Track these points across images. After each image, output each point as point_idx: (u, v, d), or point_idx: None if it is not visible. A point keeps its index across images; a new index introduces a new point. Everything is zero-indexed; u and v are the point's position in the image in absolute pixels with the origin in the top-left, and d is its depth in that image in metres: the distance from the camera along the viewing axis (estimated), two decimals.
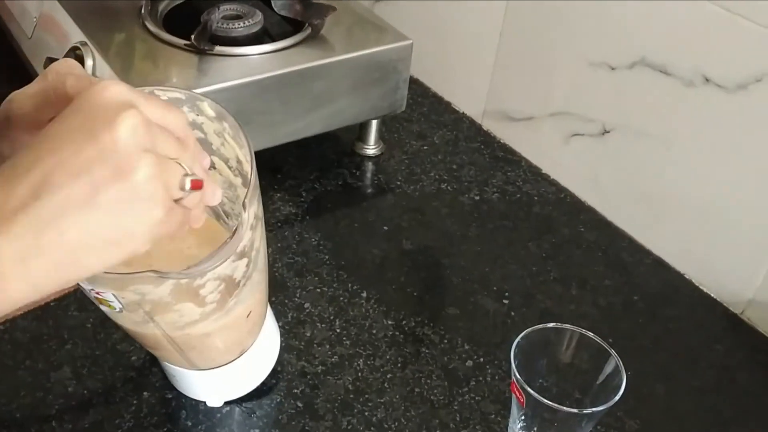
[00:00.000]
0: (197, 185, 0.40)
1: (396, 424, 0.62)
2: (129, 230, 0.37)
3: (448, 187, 0.87)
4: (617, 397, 0.50)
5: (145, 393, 0.63)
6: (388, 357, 0.68)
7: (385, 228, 0.81)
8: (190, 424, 0.61)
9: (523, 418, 0.52)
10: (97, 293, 0.46)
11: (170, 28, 0.81)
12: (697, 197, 0.75)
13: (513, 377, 0.50)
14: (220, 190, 0.42)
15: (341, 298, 0.73)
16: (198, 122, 0.52)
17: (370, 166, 0.90)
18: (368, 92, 0.84)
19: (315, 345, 0.68)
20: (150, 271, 0.44)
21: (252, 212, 0.47)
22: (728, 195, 0.72)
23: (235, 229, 0.45)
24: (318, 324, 0.70)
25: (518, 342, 0.52)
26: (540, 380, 0.53)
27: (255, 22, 0.82)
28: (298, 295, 0.72)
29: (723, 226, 0.74)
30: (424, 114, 0.99)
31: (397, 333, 0.70)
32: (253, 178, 0.47)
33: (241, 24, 0.81)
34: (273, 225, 0.80)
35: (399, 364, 0.67)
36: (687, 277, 0.78)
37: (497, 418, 0.63)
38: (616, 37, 0.76)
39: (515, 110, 0.92)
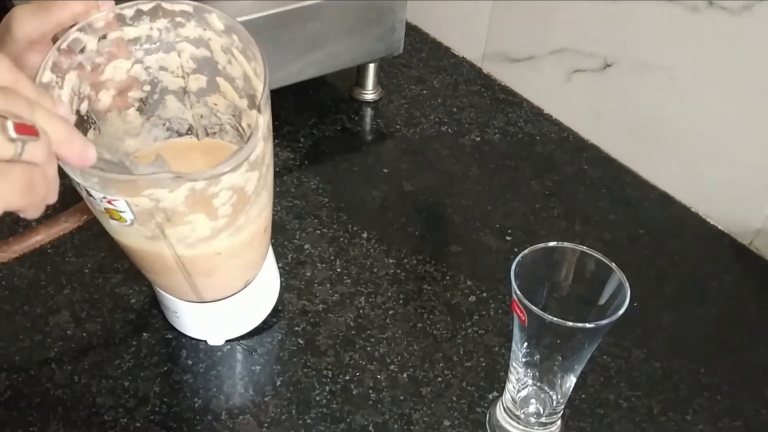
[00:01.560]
0: (26, 130, 0.35)
1: (399, 358, 0.62)
2: None
3: (449, 130, 0.86)
4: (621, 311, 0.49)
5: (144, 334, 0.62)
6: (389, 294, 0.67)
7: (385, 170, 0.80)
8: (190, 362, 0.61)
9: (525, 339, 0.51)
10: (109, 201, 0.45)
11: None
12: (702, 129, 0.73)
13: (514, 294, 0.49)
14: (92, 147, 0.39)
15: (341, 239, 0.72)
16: (205, 38, 0.51)
17: (368, 111, 0.89)
18: (364, 34, 0.82)
19: (315, 284, 0.67)
20: (168, 172, 0.44)
21: (267, 118, 0.46)
22: (733, 125, 0.71)
23: (250, 135, 0.45)
24: (318, 264, 0.69)
25: (518, 261, 0.50)
26: (543, 301, 0.52)
27: None
28: (297, 236, 0.72)
29: (729, 157, 0.72)
30: (423, 59, 0.97)
31: (399, 271, 0.69)
32: (266, 89, 0.46)
33: None
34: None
35: (401, 301, 0.66)
36: (693, 210, 0.77)
37: (501, 350, 0.62)
38: None
39: (515, 51, 0.90)
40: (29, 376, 0.58)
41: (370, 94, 0.89)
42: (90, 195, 0.46)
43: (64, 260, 0.68)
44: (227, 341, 0.62)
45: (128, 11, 0.50)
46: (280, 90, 0.79)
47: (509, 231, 0.74)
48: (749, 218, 0.72)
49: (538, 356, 0.52)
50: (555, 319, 0.47)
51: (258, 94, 0.47)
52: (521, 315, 0.49)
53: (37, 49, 0.46)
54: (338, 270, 0.69)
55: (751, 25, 0.66)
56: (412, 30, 1.00)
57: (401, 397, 0.59)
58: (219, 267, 0.55)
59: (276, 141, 0.82)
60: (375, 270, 0.69)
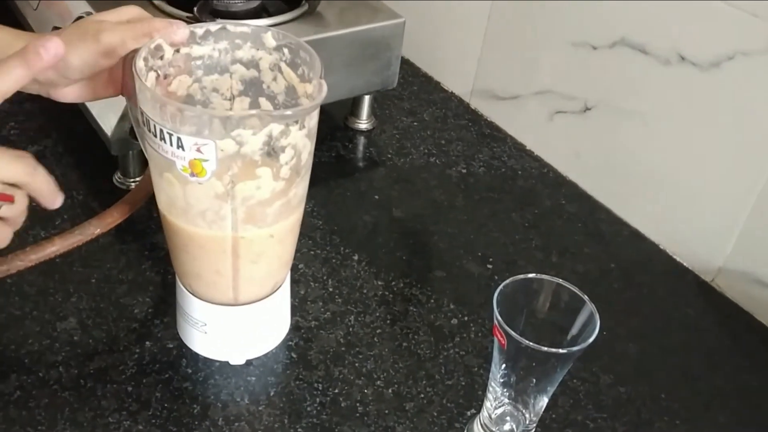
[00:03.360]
0: (4, 198, 0.45)
1: (385, 374, 0.66)
2: None
3: (437, 161, 0.91)
4: (591, 339, 0.54)
5: (147, 342, 0.66)
6: (378, 314, 0.71)
7: (376, 197, 0.85)
8: (190, 371, 0.65)
9: (503, 361, 0.56)
10: (198, 149, 0.51)
11: (173, 1, 0.84)
12: (672, 172, 0.79)
13: (495, 320, 0.54)
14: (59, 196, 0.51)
15: (333, 260, 0.76)
16: (256, 58, 0.58)
17: (362, 139, 0.94)
18: (362, 68, 0.87)
19: (308, 302, 0.72)
20: (255, 111, 0.53)
21: (325, 90, 0.53)
22: (700, 169, 0.77)
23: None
24: (311, 283, 0.73)
25: (500, 289, 0.55)
26: (521, 327, 0.57)
27: None
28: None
29: (695, 199, 0.78)
30: (415, 92, 1.02)
31: (387, 293, 0.74)
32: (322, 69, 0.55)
33: (241, 0, 0.84)
34: None
35: (388, 321, 0.71)
36: (661, 247, 0.83)
37: (479, 371, 0.67)
38: (597, 18, 0.81)
39: (501, 89, 0.95)
40: (38, 378, 0.62)
41: (364, 123, 0.95)
42: (179, 147, 0.51)
43: (71, 270, 0.72)
44: None
45: (199, 30, 0.57)
46: None
47: (490, 259, 0.79)
48: (712, 257, 0.78)
49: (514, 377, 0.57)
50: (531, 344, 0.52)
51: (304, 93, 0.57)
52: (501, 339, 0.54)
53: (110, 56, 0.54)
54: (330, 289, 0.73)
55: (718, 81, 0.72)
56: (405, 64, 1.05)
57: (386, 411, 0.63)
58: (266, 253, 0.60)
59: None
60: (365, 291, 0.73)
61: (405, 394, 0.65)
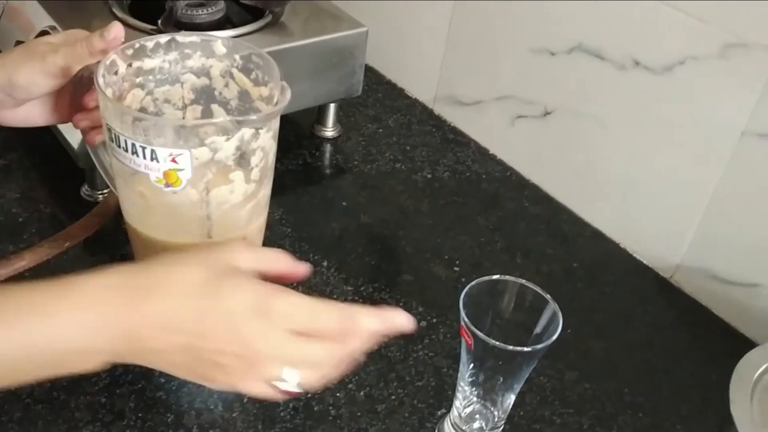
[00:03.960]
0: (289, 394, 0.46)
1: (356, 377, 0.67)
2: None
3: (403, 167, 0.93)
4: (555, 336, 0.55)
5: None
6: None
7: (344, 204, 0.86)
8: (162, 380, 0.65)
9: (471, 361, 0.57)
10: (173, 159, 0.52)
11: (137, 14, 0.84)
12: (630, 173, 0.82)
13: (462, 321, 0.55)
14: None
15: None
16: (207, 66, 0.60)
17: (328, 147, 0.95)
18: (326, 76, 0.88)
19: None
20: (229, 117, 0.55)
21: (289, 93, 0.55)
22: (656, 170, 0.79)
23: (277, 101, 0.55)
24: None
25: (466, 291, 0.57)
26: (487, 327, 0.59)
27: (217, 9, 0.86)
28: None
29: (653, 199, 0.81)
30: (379, 99, 1.04)
31: (356, 298, 0.75)
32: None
33: (205, 11, 0.85)
34: None
35: None
36: (622, 246, 0.85)
37: (449, 371, 0.69)
38: (555, 25, 0.83)
39: (464, 95, 0.97)
40: (10, 392, 0.62)
41: (330, 131, 0.96)
42: (153, 159, 0.52)
43: None
44: None
45: (149, 43, 0.57)
46: None
47: (457, 262, 0.80)
48: (670, 255, 0.81)
49: (482, 376, 0.58)
50: (497, 343, 0.53)
51: (260, 97, 0.59)
52: (468, 339, 0.55)
53: (56, 77, 0.56)
54: None
55: (670, 85, 0.74)
56: (369, 71, 1.07)
57: (358, 414, 0.64)
58: None
59: None
60: (334, 296, 0.75)
61: (376, 396, 0.66)
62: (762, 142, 0.69)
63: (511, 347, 0.53)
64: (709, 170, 0.74)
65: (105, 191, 0.81)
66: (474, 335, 0.54)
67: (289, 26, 0.87)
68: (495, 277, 0.59)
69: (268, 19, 0.86)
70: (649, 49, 0.75)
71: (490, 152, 0.96)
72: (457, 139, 0.98)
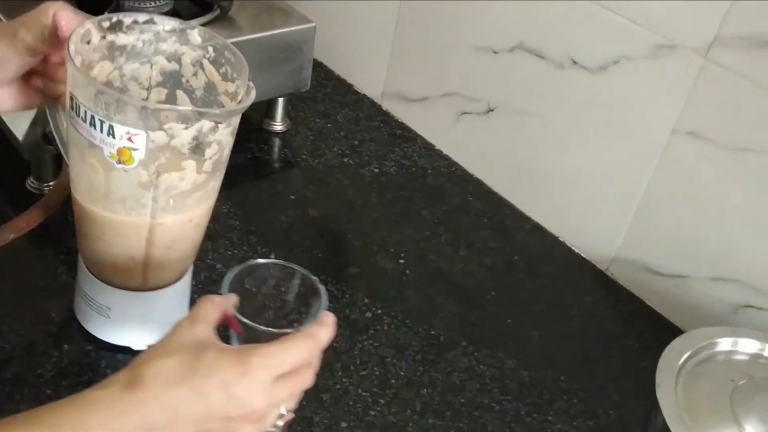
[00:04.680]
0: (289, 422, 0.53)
1: None
2: None
3: (350, 161, 0.94)
4: (319, 314, 0.55)
5: (65, 346, 0.67)
6: None
7: (292, 197, 0.88)
8: (109, 372, 0.65)
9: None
10: (129, 138, 0.53)
11: (83, 6, 0.84)
12: (568, 169, 0.85)
13: (229, 312, 0.54)
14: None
15: (250, 260, 0.78)
16: (179, 53, 0.60)
17: (277, 141, 0.96)
18: (274, 71, 0.89)
19: None
20: (192, 108, 0.56)
21: (254, 93, 0.56)
22: (593, 166, 0.82)
23: (241, 99, 0.56)
24: None
25: (230, 280, 0.56)
26: (257, 314, 0.58)
27: (165, 2, 0.86)
28: (210, 257, 0.78)
29: (589, 194, 0.84)
30: (328, 95, 1.05)
31: (303, 289, 0.76)
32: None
33: (152, 3, 0.85)
34: None
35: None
36: (561, 240, 0.88)
37: (393, 360, 0.71)
38: (498, 24, 0.85)
39: (411, 91, 0.99)
40: None
41: (278, 125, 0.97)
42: (110, 134, 0.53)
43: None
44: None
45: (127, 19, 0.58)
46: None
47: (402, 255, 0.82)
48: (606, 248, 0.84)
49: None
50: (264, 328, 0.53)
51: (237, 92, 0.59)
52: (237, 328, 0.55)
53: (28, 54, 0.57)
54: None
55: (606, 83, 0.78)
56: (318, 67, 1.08)
57: (303, 402, 0.65)
58: (181, 239, 0.62)
59: None
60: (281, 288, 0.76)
61: (321, 385, 0.68)
62: (690, 140, 0.73)
63: (276, 330, 0.54)
64: (642, 167, 0.78)
65: (51, 183, 0.80)
66: (241, 323, 0.54)
67: (237, 20, 0.87)
68: (259, 260, 0.59)
69: (216, 12, 0.87)
70: (586, 49, 0.78)
71: (436, 148, 0.98)
72: (404, 135, 1.00)
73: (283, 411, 0.52)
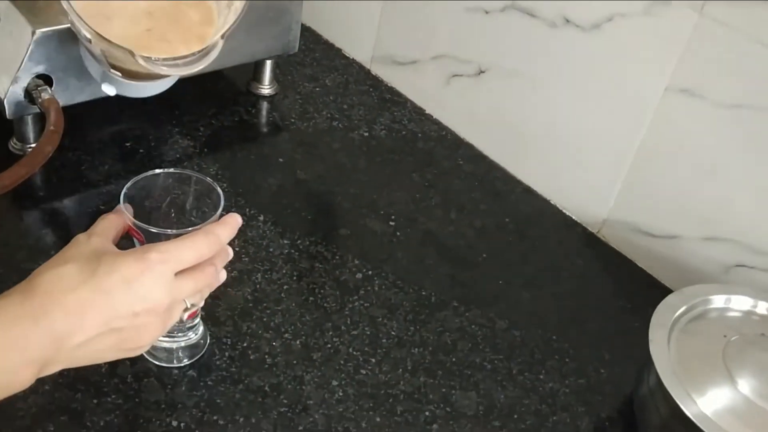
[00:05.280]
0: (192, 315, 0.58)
1: (292, 327, 0.68)
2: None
3: (339, 125, 0.93)
4: (216, 215, 0.57)
5: None
6: (284, 271, 0.73)
7: (280, 160, 0.87)
8: None
9: None
10: None
11: None
12: (559, 131, 0.84)
13: (127, 221, 0.56)
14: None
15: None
16: None
17: (265, 104, 0.95)
18: (262, 32, 0.88)
19: None
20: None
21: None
22: (584, 128, 0.82)
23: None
24: None
25: (126, 192, 0.57)
26: (159, 222, 0.59)
27: None
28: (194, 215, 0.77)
29: (581, 156, 0.83)
30: (317, 59, 1.04)
31: (293, 251, 0.75)
32: None
33: None
34: (172, 157, 0.84)
35: (295, 277, 0.73)
36: (552, 203, 0.88)
37: (384, 321, 0.70)
38: None
39: (400, 55, 0.98)
40: None
41: (266, 89, 0.95)
42: None
43: None
44: None
45: None
46: (180, 81, 0.83)
47: (392, 217, 0.82)
48: (597, 210, 0.84)
49: None
50: (164, 230, 0.55)
51: None
52: (138, 236, 0.57)
53: None
54: (236, 249, 0.73)
55: (599, 42, 0.77)
56: (306, 31, 1.06)
57: (294, 362, 0.65)
58: None
59: (176, 129, 0.87)
60: (271, 249, 0.75)
61: (312, 345, 0.67)
62: (683, 97, 0.72)
63: (176, 231, 0.55)
64: (635, 126, 0.77)
65: (34, 144, 0.79)
66: (142, 230, 0.55)
67: None
68: (157, 171, 0.59)
69: None
70: (579, 7, 0.77)
71: (426, 112, 0.97)
72: (394, 99, 0.99)
73: (188, 305, 0.54)
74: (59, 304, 0.47)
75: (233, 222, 0.56)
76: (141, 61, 0.60)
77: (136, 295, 0.49)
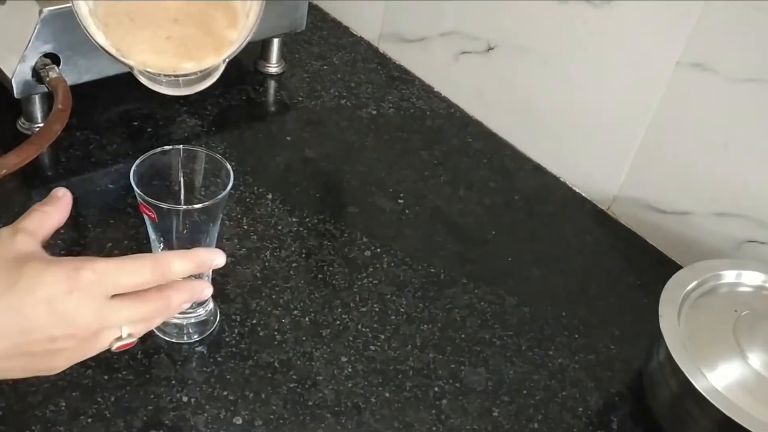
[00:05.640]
0: (126, 346, 0.48)
1: (301, 304, 0.68)
2: None
3: (347, 103, 0.93)
4: (226, 191, 0.57)
5: None
6: (293, 249, 0.73)
7: (288, 138, 0.86)
8: None
9: (161, 234, 0.58)
10: None
11: None
12: (569, 107, 0.83)
13: (139, 199, 0.55)
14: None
15: (248, 200, 0.77)
16: None
17: (272, 83, 0.94)
18: (269, 10, 0.86)
19: (224, 240, 0.73)
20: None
21: None
22: (594, 104, 0.81)
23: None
24: (226, 222, 0.74)
25: (135, 168, 0.56)
26: (169, 198, 0.59)
27: None
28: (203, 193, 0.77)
29: (591, 132, 0.83)
30: (324, 37, 1.03)
31: (301, 229, 0.75)
32: None
33: None
34: (180, 137, 0.83)
35: (303, 255, 0.73)
36: (561, 180, 0.87)
37: (392, 298, 0.70)
38: None
39: (408, 32, 0.97)
40: None
41: (274, 67, 0.95)
42: None
43: None
44: None
45: None
46: None
47: (401, 195, 0.81)
48: (607, 187, 0.83)
49: (175, 246, 0.59)
50: (173, 205, 0.55)
51: None
52: (150, 214, 0.56)
53: None
54: (245, 227, 0.74)
55: (609, 17, 0.76)
56: (313, 9, 1.06)
57: (303, 338, 0.66)
58: None
59: (184, 108, 0.87)
60: (279, 227, 0.75)
61: (321, 321, 0.67)
62: (695, 72, 0.71)
63: (184, 207, 0.55)
64: (646, 102, 0.76)
65: (42, 124, 0.79)
66: (154, 207, 0.55)
67: None
68: (166, 147, 0.59)
69: None
70: None
71: (435, 89, 0.97)
72: (402, 77, 0.98)
73: (123, 333, 0.47)
74: None
75: (199, 256, 0.49)
76: (142, 79, 0.56)
77: (58, 318, 0.43)
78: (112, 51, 0.55)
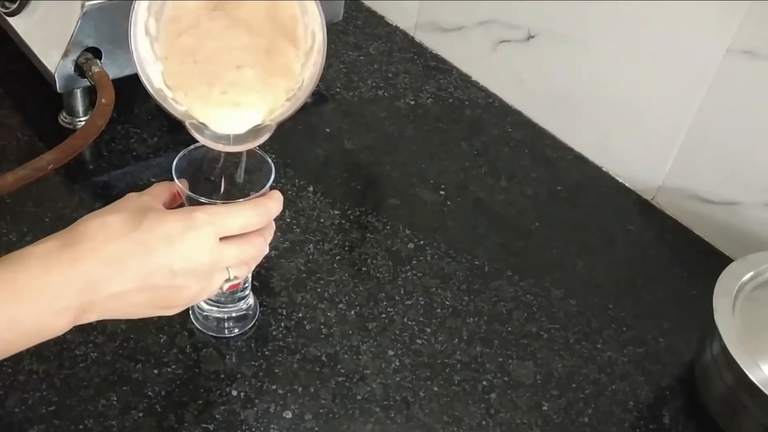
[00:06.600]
0: (234, 287, 0.55)
1: (347, 297, 0.68)
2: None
3: (385, 93, 0.92)
4: (267, 185, 0.56)
5: None
6: (336, 242, 0.73)
7: (327, 130, 0.86)
8: None
9: None
10: None
11: None
12: (612, 96, 0.82)
13: (179, 192, 0.55)
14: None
15: (289, 192, 0.77)
16: None
17: None
18: None
19: None
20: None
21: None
22: (638, 93, 0.80)
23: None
24: None
25: (177, 163, 0.55)
26: (209, 193, 0.57)
27: None
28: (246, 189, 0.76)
29: (635, 121, 0.81)
30: (359, 27, 1.02)
31: (344, 221, 0.75)
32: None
33: None
34: None
35: (346, 248, 0.72)
36: (604, 170, 0.86)
37: (437, 290, 0.70)
38: None
39: (445, 21, 0.96)
40: None
41: None
42: None
43: (24, 209, 0.71)
44: None
45: None
46: None
47: (442, 186, 0.81)
48: (652, 177, 0.82)
49: None
50: (216, 202, 0.53)
51: None
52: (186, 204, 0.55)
53: None
54: (288, 220, 0.74)
55: (657, 2, 0.74)
56: None
57: (350, 332, 0.65)
58: None
59: None
60: (321, 220, 0.75)
61: (367, 315, 0.67)
62: (746, 59, 0.70)
63: (224, 203, 0.53)
64: (693, 90, 0.75)
65: (83, 118, 0.79)
66: (193, 201, 0.54)
67: None
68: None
69: None
70: None
71: (473, 79, 0.96)
72: (439, 66, 0.97)
73: (230, 275, 0.52)
74: (99, 252, 0.47)
75: (278, 197, 0.55)
76: (193, 131, 0.53)
77: (176, 253, 0.48)
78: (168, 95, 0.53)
